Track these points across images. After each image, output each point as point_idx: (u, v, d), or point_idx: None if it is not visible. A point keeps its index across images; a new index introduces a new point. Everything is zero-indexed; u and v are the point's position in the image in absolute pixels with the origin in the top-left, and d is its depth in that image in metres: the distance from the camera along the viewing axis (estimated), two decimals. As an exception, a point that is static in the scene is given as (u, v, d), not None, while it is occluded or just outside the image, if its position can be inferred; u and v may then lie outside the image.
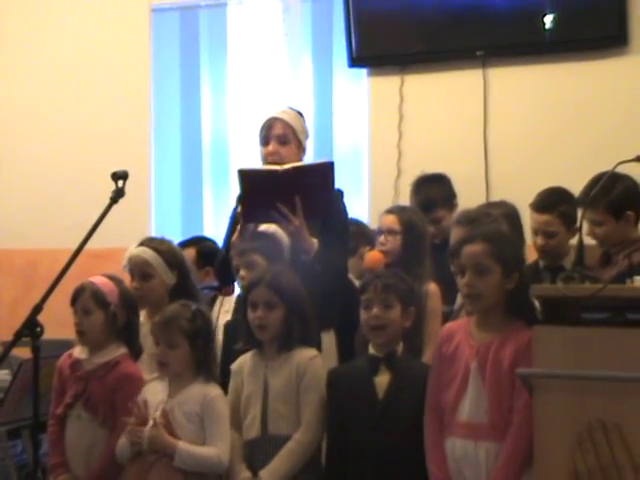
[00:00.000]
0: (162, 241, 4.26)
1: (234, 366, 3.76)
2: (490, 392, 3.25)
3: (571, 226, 4.39)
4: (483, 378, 3.28)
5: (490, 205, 4.60)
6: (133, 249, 4.18)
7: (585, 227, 4.02)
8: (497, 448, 3.23)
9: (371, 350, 3.60)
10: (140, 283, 4.12)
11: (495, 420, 3.24)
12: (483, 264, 3.32)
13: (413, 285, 3.76)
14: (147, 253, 4.12)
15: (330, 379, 3.66)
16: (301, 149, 4.25)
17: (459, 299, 3.99)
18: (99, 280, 3.95)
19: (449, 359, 3.38)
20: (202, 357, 3.65)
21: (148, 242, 4.22)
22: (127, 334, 3.95)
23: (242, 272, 3.94)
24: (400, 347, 3.59)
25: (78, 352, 3.96)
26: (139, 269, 4.12)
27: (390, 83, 5.77)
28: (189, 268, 4.31)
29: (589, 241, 4.00)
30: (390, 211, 4.48)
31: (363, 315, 3.60)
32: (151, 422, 3.56)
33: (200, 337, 3.64)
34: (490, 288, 3.31)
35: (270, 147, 4.17)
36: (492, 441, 3.24)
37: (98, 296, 3.88)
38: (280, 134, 4.18)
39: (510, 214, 4.42)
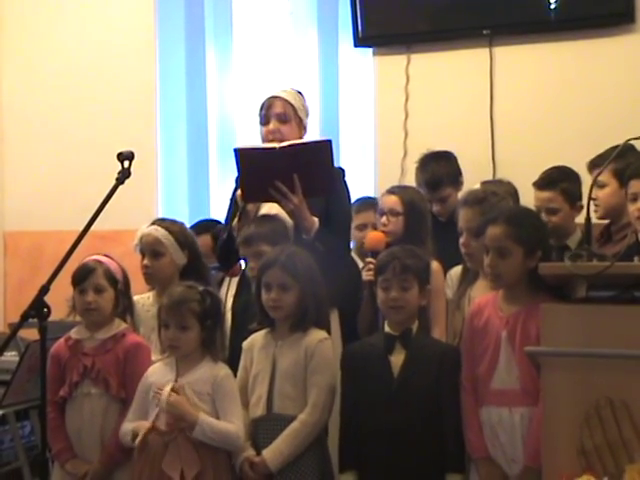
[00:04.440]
0: (174, 222, 4.31)
1: (245, 344, 3.76)
2: (520, 360, 3.36)
3: (574, 203, 4.40)
4: (513, 347, 3.39)
5: (490, 183, 4.59)
6: (145, 228, 4.22)
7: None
8: (530, 412, 3.35)
9: (387, 328, 3.61)
10: (151, 261, 4.17)
11: (526, 386, 3.35)
12: (504, 247, 3.43)
13: (429, 262, 3.77)
14: (159, 232, 4.18)
15: (345, 357, 3.68)
16: (302, 127, 4.24)
17: (449, 278, 4.05)
18: (104, 259, 3.96)
19: (480, 332, 3.50)
20: (210, 337, 3.65)
21: (160, 222, 4.29)
22: (125, 312, 3.97)
23: (252, 263, 3.92)
24: (415, 325, 3.60)
25: (76, 334, 3.95)
26: (150, 247, 4.17)
27: (396, 62, 5.74)
28: (200, 250, 4.33)
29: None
30: (392, 191, 4.47)
31: (381, 296, 3.61)
32: (168, 388, 3.55)
33: (209, 318, 3.64)
34: (511, 269, 3.42)
35: (271, 125, 4.16)
36: (525, 406, 3.36)
37: (109, 274, 3.91)
38: (280, 112, 4.18)
39: (512, 192, 4.44)
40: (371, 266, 3.96)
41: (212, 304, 3.67)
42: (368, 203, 4.90)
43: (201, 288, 3.69)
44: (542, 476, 3.16)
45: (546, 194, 4.42)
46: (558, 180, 4.41)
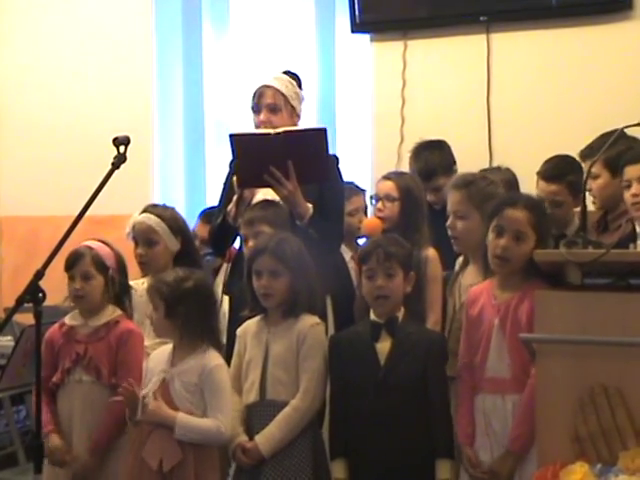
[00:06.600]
0: (165, 208, 4.28)
1: (239, 331, 3.76)
2: (511, 347, 3.37)
3: (577, 195, 4.37)
4: (504, 335, 3.40)
5: (487, 171, 4.59)
6: (137, 216, 4.20)
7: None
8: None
9: (372, 316, 3.60)
10: (145, 249, 4.13)
11: (517, 374, 3.36)
12: (523, 231, 3.42)
13: (412, 249, 3.77)
14: (151, 219, 4.14)
15: (332, 345, 3.66)
16: (294, 115, 4.21)
17: (457, 263, 4.02)
18: (96, 245, 3.95)
19: (475, 321, 3.50)
20: (201, 325, 3.58)
21: (151, 209, 4.24)
22: (121, 298, 3.95)
23: (250, 243, 3.91)
24: (401, 312, 3.60)
25: (70, 320, 3.93)
26: (144, 236, 4.14)
27: (393, 49, 5.74)
28: (192, 234, 4.31)
29: (590, 207, 4.02)
30: (387, 177, 4.47)
31: (366, 285, 3.59)
32: (150, 394, 3.54)
33: (182, 303, 3.55)
34: (522, 255, 3.41)
35: (262, 116, 4.15)
36: (517, 394, 3.36)
37: (98, 261, 3.89)
38: (270, 103, 4.15)
39: (508, 180, 4.42)
40: None
41: (191, 289, 3.58)
42: (358, 189, 4.89)
43: (181, 273, 3.64)
44: (536, 463, 3.16)
45: (553, 187, 4.37)
46: (566, 173, 4.36)
